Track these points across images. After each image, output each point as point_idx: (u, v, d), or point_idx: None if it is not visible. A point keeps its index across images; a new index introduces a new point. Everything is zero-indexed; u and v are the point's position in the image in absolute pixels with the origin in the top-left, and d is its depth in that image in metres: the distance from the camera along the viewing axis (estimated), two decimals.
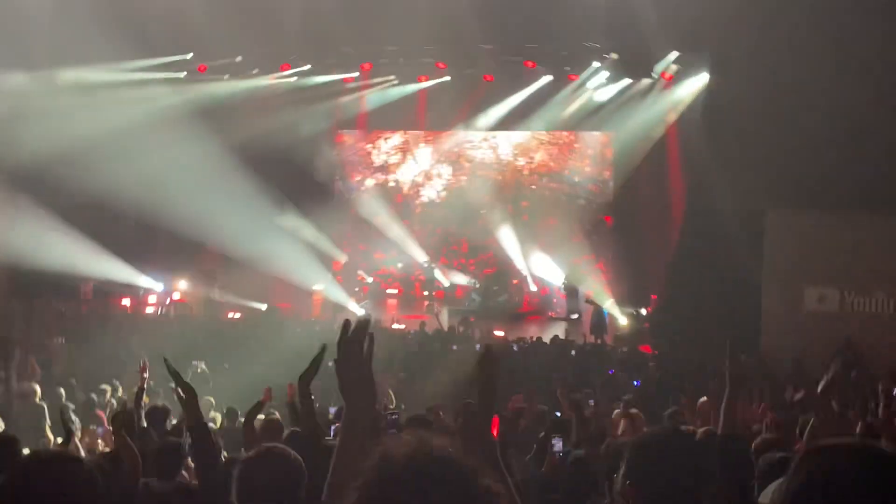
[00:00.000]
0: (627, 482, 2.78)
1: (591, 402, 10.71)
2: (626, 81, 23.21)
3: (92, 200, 20.76)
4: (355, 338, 2.53)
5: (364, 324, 2.55)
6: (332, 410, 9.78)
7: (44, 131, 20.78)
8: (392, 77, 24.96)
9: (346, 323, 2.57)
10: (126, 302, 23.45)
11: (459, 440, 1.82)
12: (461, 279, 25.66)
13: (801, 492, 1.90)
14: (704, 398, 9.08)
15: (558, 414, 9.10)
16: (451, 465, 1.73)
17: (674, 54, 21.52)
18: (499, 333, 18.78)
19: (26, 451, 5.28)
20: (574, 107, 23.86)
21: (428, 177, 26.78)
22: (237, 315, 20.31)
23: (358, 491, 1.74)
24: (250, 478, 3.40)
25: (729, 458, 4.18)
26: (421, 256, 25.95)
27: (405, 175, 26.96)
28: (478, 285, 24.57)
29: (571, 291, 23.17)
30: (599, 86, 23.44)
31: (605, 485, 4.73)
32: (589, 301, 21.29)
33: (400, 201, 26.71)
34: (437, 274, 25.58)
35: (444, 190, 26.67)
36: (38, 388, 10.90)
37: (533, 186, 25.87)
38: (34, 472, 2.78)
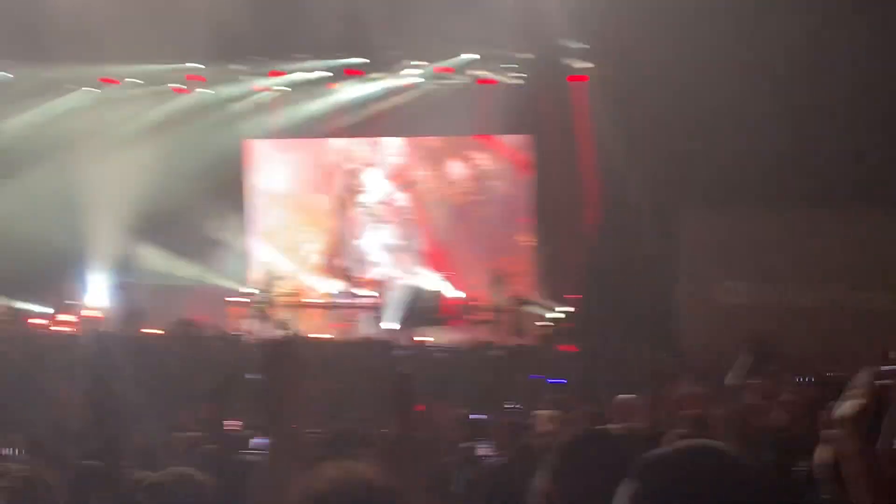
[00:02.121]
0: (550, 482, 2.74)
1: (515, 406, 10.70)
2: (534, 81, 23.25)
3: None
4: (280, 354, 2.46)
5: (289, 340, 2.50)
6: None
7: None
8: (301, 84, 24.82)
9: (271, 341, 2.51)
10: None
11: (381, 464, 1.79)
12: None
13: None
14: (622, 396, 9.15)
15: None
16: (374, 493, 1.69)
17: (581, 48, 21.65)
18: (419, 339, 18.74)
19: None
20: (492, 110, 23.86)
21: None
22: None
23: None
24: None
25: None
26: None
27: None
28: (398, 291, 24.49)
29: (492, 293, 23.21)
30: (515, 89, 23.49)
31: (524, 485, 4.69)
32: (512, 302, 21.39)
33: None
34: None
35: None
36: None
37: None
38: None
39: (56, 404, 12.05)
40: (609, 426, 5.76)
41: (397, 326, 21.63)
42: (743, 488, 1.80)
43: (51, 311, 23.65)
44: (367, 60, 23.41)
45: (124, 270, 23.91)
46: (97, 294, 24.40)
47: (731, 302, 18.25)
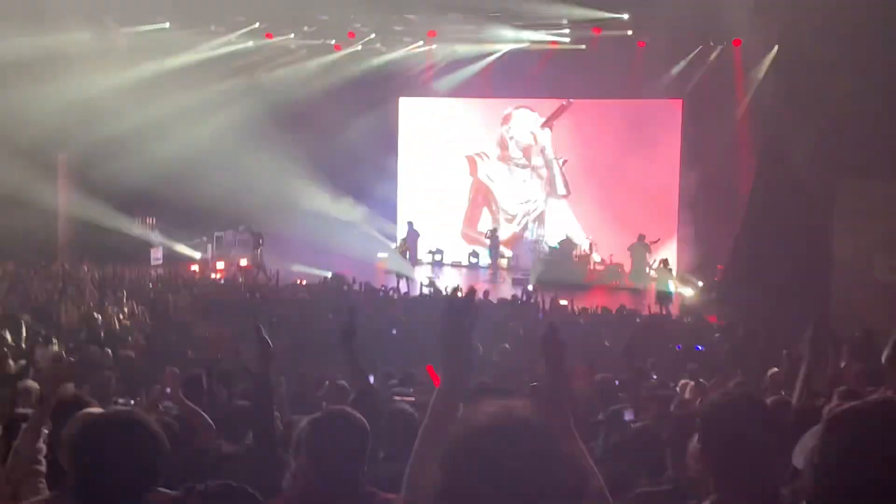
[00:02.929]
0: (700, 447, 2.75)
1: (654, 376, 10.59)
2: (698, 48, 22.82)
3: (161, 168, 21.41)
4: (462, 307, 2.51)
5: (471, 294, 2.55)
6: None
7: (129, 105, 21.45)
8: (454, 47, 24.93)
9: (455, 292, 2.57)
10: (195, 268, 23.94)
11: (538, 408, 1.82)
12: (526, 248, 25.83)
13: (830, 458, 1.86)
14: (775, 369, 8.93)
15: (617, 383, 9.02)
16: (533, 430, 1.71)
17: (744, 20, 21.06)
18: (563, 302, 18.67)
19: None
20: (643, 72, 23.58)
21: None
22: (302, 282, 20.52)
23: (444, 456, 1.74)
24: (317, 440, 3.41)
25: (805, 428, 4.08)
26: (485, 226, 26.17)
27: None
28: (542, 254, 24.53)
29: (637, 261, 23.00)
30: (669, 53, 23.13)
31: (668, 454, 4.68)
32: (656, 270, 21.11)
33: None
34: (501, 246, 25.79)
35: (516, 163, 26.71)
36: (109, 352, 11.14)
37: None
38: (102, 432, 2.80)
39: (212, 346, 12.65)
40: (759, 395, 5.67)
41: (541, 289, 21.63)
42: None
43: (208, 258, 24.83)
44: (522, 21, 23.29)
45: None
46: (250, 245, 25.34)
47: (889, 278, 17.52)
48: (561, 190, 26.19)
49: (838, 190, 18.31)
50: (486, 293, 19.47)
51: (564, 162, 26.03)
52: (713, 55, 22.84)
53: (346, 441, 3.40)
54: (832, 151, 17.64)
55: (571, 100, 25.59)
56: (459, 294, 2.55)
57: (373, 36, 24.75)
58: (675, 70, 23.37)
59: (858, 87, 17.07)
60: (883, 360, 4.33)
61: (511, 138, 26.56)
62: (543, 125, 26.15)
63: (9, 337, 11.71)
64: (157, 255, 24.98)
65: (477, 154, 26.89)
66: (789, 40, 19.55)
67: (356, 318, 4.77)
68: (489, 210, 26.96)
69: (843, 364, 7.87)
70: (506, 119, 26.57)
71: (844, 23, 16.78)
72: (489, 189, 26.86)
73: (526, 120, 26.40)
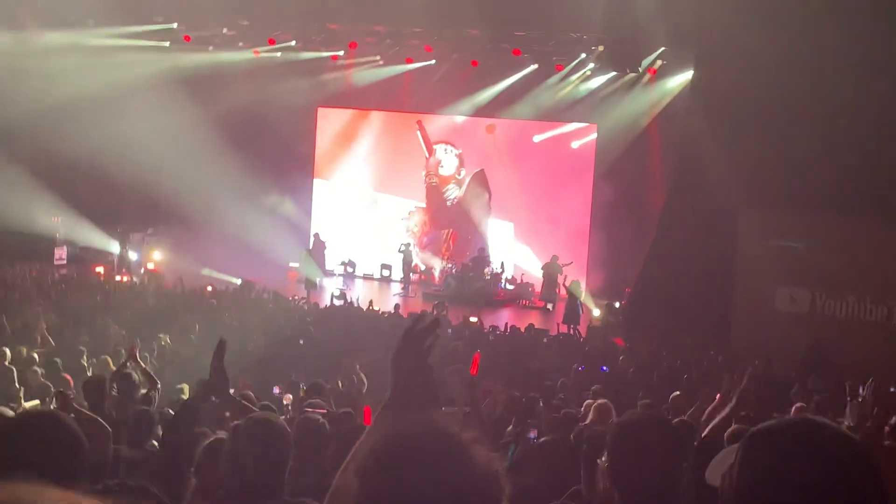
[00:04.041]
0: (607, 464, 2.80)
1: (561, 395, 10.73)
2: (612, 74, 23.30)
3: (68, 162, 20.88)
4: (422, 333, 2.50)
5: (435, 322, 2.54)
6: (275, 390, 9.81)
7: (25, 91, 20.78)
8: (377, 57, 24.98)
9: (420, 315, 2.56)
10: (100, 269, 23.37)
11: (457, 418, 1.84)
12: (438, 263, 25.94)
13: (750, 475, 1.90)
14: (677, 392, 9.14)
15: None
16: (445, 436, 1.73)
17: (660, 49, 21.61)
18: (473, 319, 18.77)
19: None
20: (559, 96, 23.99)
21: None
22: (209, 288, 20.20)
23: (359, 468, 1.75)
24: (239, 446, 3.37)
25: (708, 456, 4.18)
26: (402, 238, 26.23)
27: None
28: (454, 270, 24.63)
29: (549, 281, 23.27)
30: (585, 77, 23.59)
31: (581, 469, 4.74)
32: (566, 291, 21.37)
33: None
34: (415, 257, 25.85)
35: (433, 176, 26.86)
36: (7, 352, 10.81)
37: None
38: (20, 430, 2.74)
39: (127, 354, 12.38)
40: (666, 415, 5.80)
41: (452, 305, 21.73)
42: (849, 463, 1.82)
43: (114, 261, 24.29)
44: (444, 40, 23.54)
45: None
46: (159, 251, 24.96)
47: (788, 309, 18.06)
48: (477, 210, 26.42)
49: (741, 219, 18.82)
50: (396, 307, 19.50)
51: (476, 175, 26.32)
52: (628, 81, 23.30)
53: (268, 448, 3.36)
54: (738, 181, 18.13)
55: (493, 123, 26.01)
56: (422, 320, 2.55)
57: (293, 43, 24.64)
58: (590, 94, 23.80)
59: (767, 119, 17.62)
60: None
61: (435, 166, 26.81)
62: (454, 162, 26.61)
63: None
64: (60, 255, 24.29)
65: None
66: (703, 70, 20.09)
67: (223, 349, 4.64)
68: (407, 224, 27.08)
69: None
70: (431, 152, 26.77)
71: (757, 54, 17.30)
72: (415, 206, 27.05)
73: (448, 154, 26.67)
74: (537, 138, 25.48)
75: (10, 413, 3.33)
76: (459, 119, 26.06)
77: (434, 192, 26.92)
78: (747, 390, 4.31)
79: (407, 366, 2.48)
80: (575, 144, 25.26)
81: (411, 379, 2.48)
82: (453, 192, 26.74)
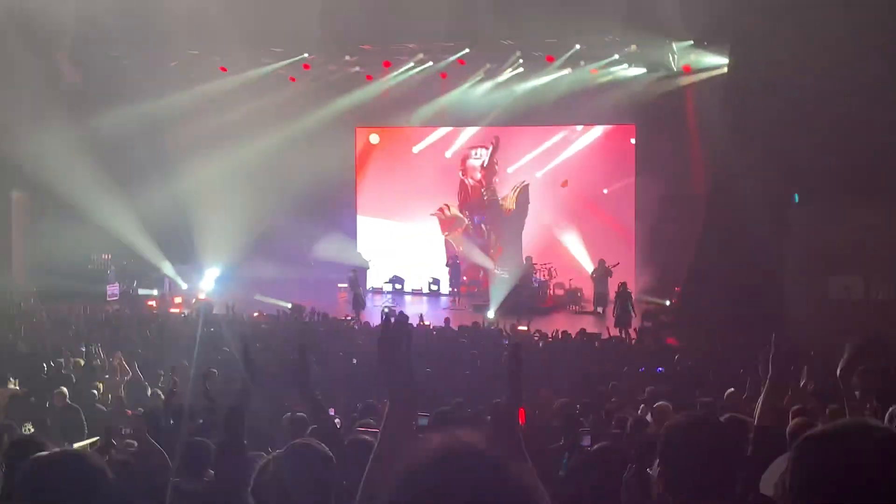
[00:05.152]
0: (659, 468, 2.78)
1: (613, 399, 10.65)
2: (647, 74, 23.16)
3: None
4: (395, 335, 2.52)
5: (403, 320, 2.55)
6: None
7: None
8: (414, 73, 25.05)
9: (387, 319, 2.58)
10: (152, 303, 23.72)
11: (487, 433, 1.81)
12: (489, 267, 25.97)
13: (805, 482, 1.87)
14: (731, 389, 9.03)
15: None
16: (482, 460, 1.71)
17: (690, 44, 21.45)
18: (522, 328, 18.73)
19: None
20: (596, 100, 23.88)
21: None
22: (255, 314, 20.41)
23: (391, 490, 1.73)
24: (283, 475, 3.39)
25: (766, 446, 4.11)
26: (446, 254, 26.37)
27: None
28: (502, 281, 24.60)
29: (599, 285, 23.17)
30: (620, 79, 23.48)
31: (636, 474, 4.71)
32: (616, 294, 21.23)
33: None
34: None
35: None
36: (66, 391, 10.96)
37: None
38: (39, 472, 2.79)
39: (171, 382, 12.50)
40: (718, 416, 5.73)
41: (502, 315, 21.70)
42: None
43: (164, 294, 24.65)
44: (475, 50, 23.57)
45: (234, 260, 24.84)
46: (208, 281, 25.37)
47: (843, 297, 17.78)
48: (518, 217, 26.41)
49: (789, 211, 18.59)
50: (446, 320, 19.50)
51: (522, 188, 26.31)
52: (664, 80, 23.15)
53: (312, 473, 3.37)
54: (782, 173, 17.92)
55: (499, 137, 26.16)
56: (392, 319, 2.57)
57: (330, 67, 24.87)
58: (628, 95, 23.66)
59: (806, 110, 17.38)
60: (838, 372, 4.38)
61: (466, 178, 26.86)
62: (486, 165, 26.60)
63: None
64: (113, 291, 24.73)
65: (440, 209, 27.14)
66: (737, 64, 19.88)
67: (306, 356, 4.69)
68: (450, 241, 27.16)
69: (802, 383, 7.98)
70: (462, 160, 26.84)
71: (793, 45, 17.09)
72: (455, 240, 27.08)
73: (477, 159, 26.73)
74: (574, 145, 25.50)
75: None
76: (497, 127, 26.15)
77: (488, 205, 26.96)
78: (778, 356, 4.19)
79: (390, 372, 2.50)
80: (614, 145, 25.20)
81: (397, 385, 2.49)
82: (502, 202, 26.76)
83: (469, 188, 27.01)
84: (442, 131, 26.95)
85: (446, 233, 27.17)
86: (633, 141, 24.88)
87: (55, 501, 2.71)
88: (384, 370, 2.53)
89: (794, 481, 1.89)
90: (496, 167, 26.71)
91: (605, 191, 25.34)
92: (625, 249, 24.30)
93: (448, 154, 27.02)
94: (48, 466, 2.81)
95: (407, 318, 2.65)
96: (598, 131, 25.54)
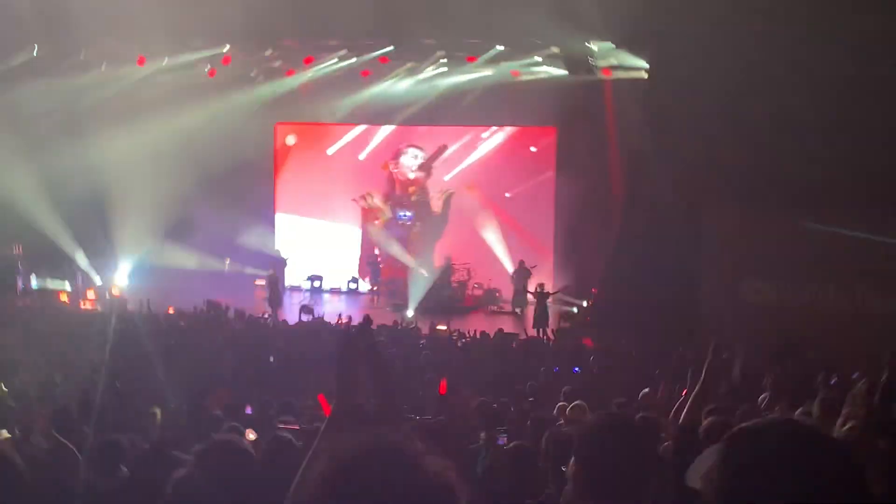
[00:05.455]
0: (574, 466, 2.82)
1: (530, 399, 10.75)
2: (568, 76, 23.33)
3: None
4: (357, 335, 2.52)
5: (368, 323, 2.57)
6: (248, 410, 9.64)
7: None
8: (335, 69, 24.86)
9: (349, 321, 2.59)
10: (64, 297, 23.15)
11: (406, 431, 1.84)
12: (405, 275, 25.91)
13: (732, 477, 1.92)
14: (646, 389, 9.21)
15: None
16: (401, 457, 1.73)
17: (611, 46, 21.68)
18: (441, 327, 18.79)
19: None
20: (517, 102, 23.98)
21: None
22: (171, 311, 20.05)
23: (311, 491, 1.74)
24: (204, 470, 3.36)
25: (686, 444, 4.21)
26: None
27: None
28: (420, 281, 24.64)
29: (518, 286, 23.34)
30: (541, 81, 23.60)
31: (551, 473, 4.77)
32: (533, 295, 21.43)
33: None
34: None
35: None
36: None
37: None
38: None
39: (83, 379, 12.24)
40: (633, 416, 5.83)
41: (421, 314, 21.76)
42: (831, 465, 1.83)
43: (76, 289, 24.03)
44: (398, 48, 23.51)
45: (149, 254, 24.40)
46: (122, 275, 24.86)
47: (755, 300, 18.22)
48: (442, 221, 26.46)
49: (703, 214, 18.97)
50: (366, 318, 19.44)
51: (450, 195, 26.37)
52: (585, 82, 23.33)
53: (232, 470, 3.35)
54: (697, 176, 18.28)
55: (447, 144, 26.15)
56: (353, 323, 2.59)
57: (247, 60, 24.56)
58: (548, 97, 23.78)
59: (722, 113, 17.73)
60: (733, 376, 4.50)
61: (397, 173, 26.75)
62: (422, 166, 26.55)
63: None
64: (23, 284, 24.02)
65: (364, 195, 26.92)
66: (657, 67, 20.20)
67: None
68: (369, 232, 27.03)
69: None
70: (395, 154, 26.71)
71: (713, 50, 17.40)
72: (374, 231, 26.92)
73: (414, 158, 26.65)
74: (488, 142, 25.67)
75: None
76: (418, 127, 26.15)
77: (416, 204, 26.93)
78: (714, 364, 4.30)
79: (349, 375, 2.50)
80: (534, 148, 25.42)
81: (352, 386, 2.50)
82: (430, 204, 26.75)
83: (398, 183, 26.89)
84: (357, 130, 26.81)
85: (365, 222, 27.00)
86: (552, 140, 25.09)
87: None
88: (340, 370, 2.53)
89: (721, 476, 1.94)
90: (432, 170, 26.66)
91: (508, 194, 25.54)
92: (544, 250, 24.56)
93: (361, 157, 26.94)
94: None
95: (371, 321, 2.66)
96: (516, 132, 25.72)
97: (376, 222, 26.87)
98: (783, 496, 1.82)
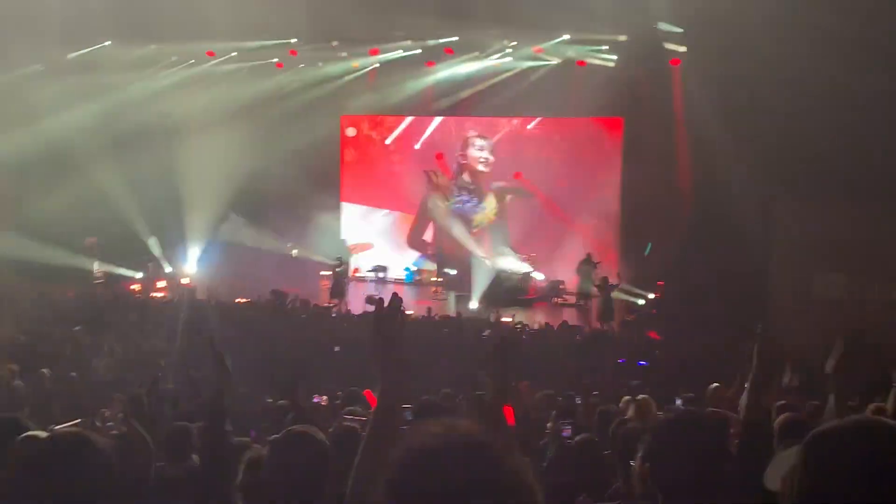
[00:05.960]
0: (646, 464, 2.79)
1: (595, 392, 10.67)
2: (635, 65, 23.08)
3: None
4: (389, 315, 2.52)
5: (397, 301, 2.55)
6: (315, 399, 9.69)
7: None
8: (400, 62, 24.93)
9: (380, 301, 2.58)
10: (136, 286, 23.58)
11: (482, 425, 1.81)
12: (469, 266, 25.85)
13: (816, 479, 1.89)
14: (716, 384, 9.08)
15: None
16: (477, 448, 1.71)
17: (678, 37, 21.41)
18: (506, 319, 18.76)
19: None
20: (582, 91, 23.78)
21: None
22: (243, 300, 20.32)
23: (388, 478, 1.73)
24: (277, 460, 3.39)
25: (752, 440, 4.13)
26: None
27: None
28: (485, 272, 24.59)
29: (583, 278, 23.18)
30: (607, 70, 23.40)
31: (619, 467, 4.73)
32: (599, 287, 21.26)
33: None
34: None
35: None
36: (46, 373, 10.89)
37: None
38: (50, 453, 2.74)
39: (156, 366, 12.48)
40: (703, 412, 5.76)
41: (485, 306, 21.74)
42: None
43: (148, 278, 24.46)
44: (462, 38, 23.51)
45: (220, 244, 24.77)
46: (191, 263, 25.26)
47: (826, 296, 17.87)
48: (504, 208, 26.33)
49: (775, 209, 18.65)
50: (429, 310, 19.49)
51: (513, 177, 26.20)
52: (653, 74, 23.07)
53: (307, 462, 3.37)
54: (768, 171, 17.97)
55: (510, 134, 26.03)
56: (383, 305, 2.57)
57: (314, 53, 24.76)
58: (615, 89, 23.56)
59: (794, 108, 17.40)
60: (827, 369, 4.37)
61: (465, 162, 26.64)
62: (486, 157, 26.44)
63: None
64: (98, 274, 24.53)
65: (433, 171, 26.87)
66: (728, 54, 19.86)
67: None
68: (433, 227, 26.96)
69: (787, 379, 8.03)
70: (464, 144, 26.61)
71: (787, 36, 17.07)
72: (437, 206, 26.83)
73: (481, 145, 26.53)
74: (552, 132, 25.46)
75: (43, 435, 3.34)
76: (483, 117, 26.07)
77: (477, 194, 26.91)
78: (763, 347, 4.20)
79: (382, 358, 2.50)
80: (601, 140, 25.18)
81: (390, 372, 2.50)
82: (491, 195, 26.66)
83: (468, 169, 26.73)
84: (415, 121, 26.88)
85: (430, 195, 27.02)
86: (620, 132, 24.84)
87: (61, 484, 2.65)
88: (378, 348, 2.53)
89: (804, 477, 1.91)
90: (495, 161, 26.48)
91: (571, 186, 25.30)
92: (608, 243, 24.32)
93: (417, 146, 26.96)
94: (52, 447, 2.76)
95: (401, 299, 2.66)
96: (581, 122, 25.44)
97: (443, 200, 26.72)
98: (868, 498, 1.78)
